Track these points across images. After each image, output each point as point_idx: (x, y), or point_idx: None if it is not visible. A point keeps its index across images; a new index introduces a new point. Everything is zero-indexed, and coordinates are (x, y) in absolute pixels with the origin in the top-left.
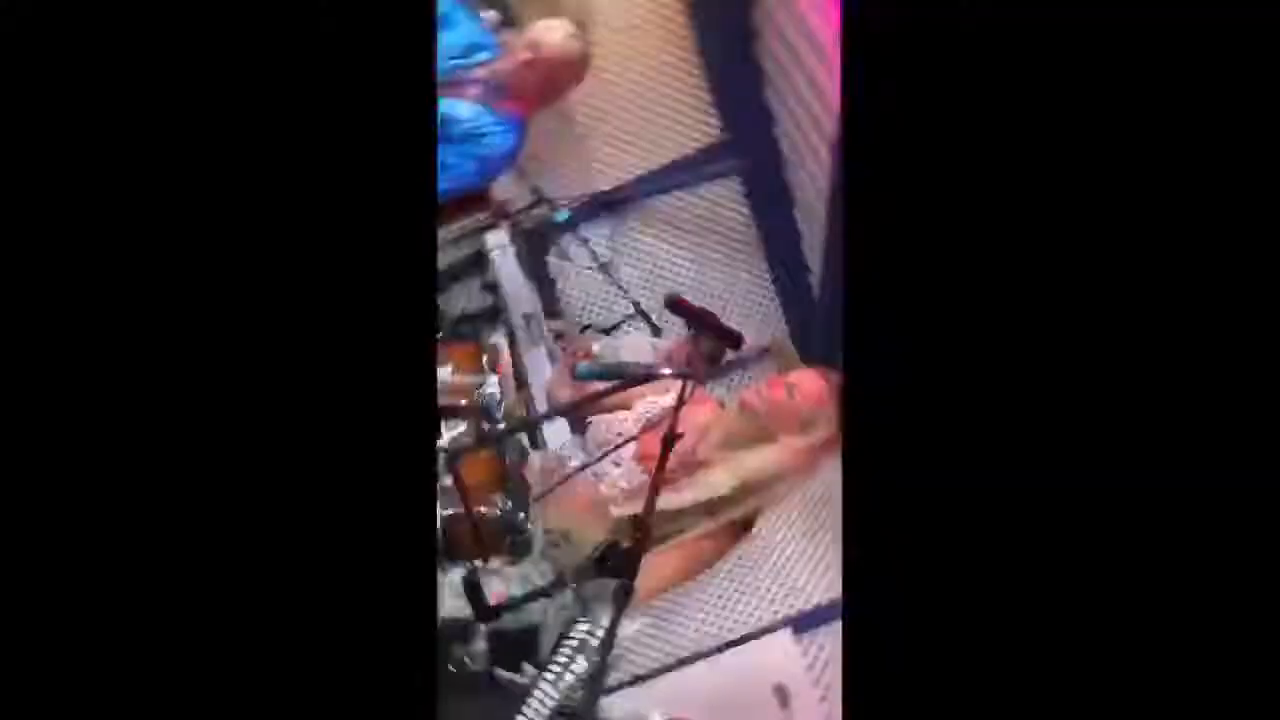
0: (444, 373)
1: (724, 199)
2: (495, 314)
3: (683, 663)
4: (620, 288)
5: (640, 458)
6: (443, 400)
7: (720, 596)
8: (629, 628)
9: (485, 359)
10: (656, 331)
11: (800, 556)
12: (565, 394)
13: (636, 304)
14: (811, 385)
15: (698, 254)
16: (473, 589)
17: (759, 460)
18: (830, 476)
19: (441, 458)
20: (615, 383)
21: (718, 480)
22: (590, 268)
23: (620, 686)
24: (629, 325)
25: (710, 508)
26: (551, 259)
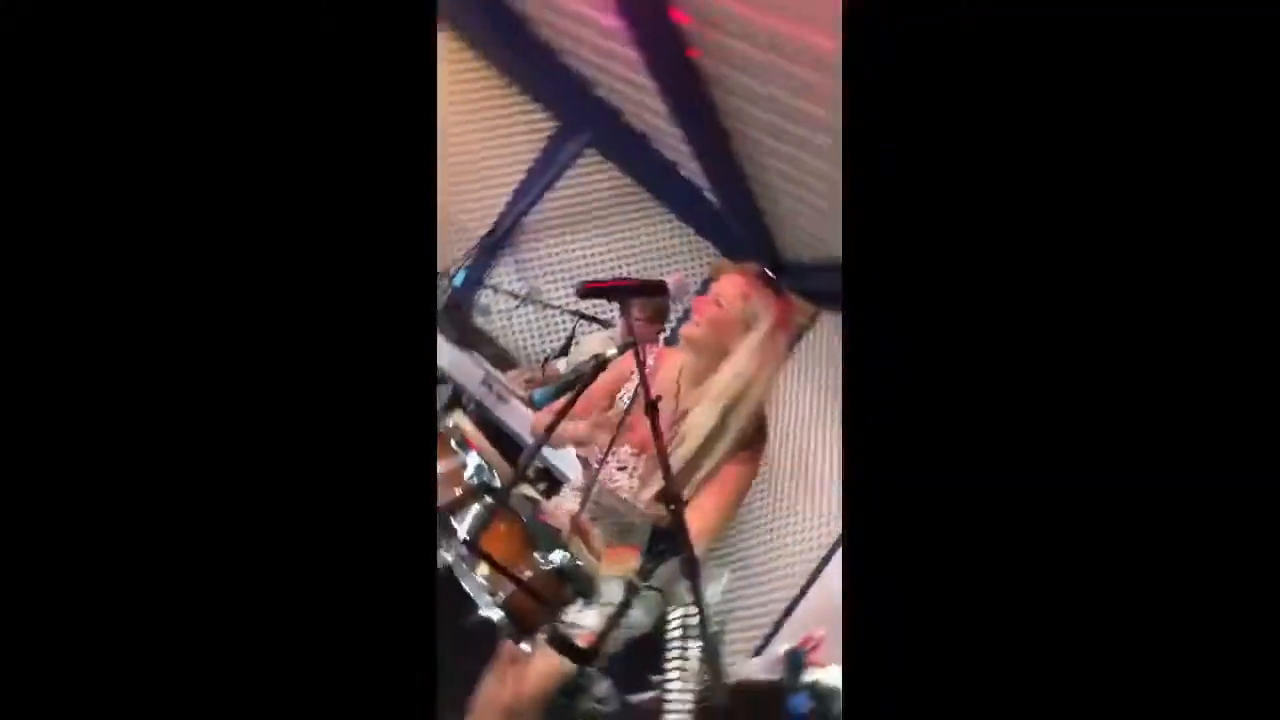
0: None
1: (591, 173)
2: (457, 398)
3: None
4: (552, 306)
5: (640, 446)
6: (442, 499)
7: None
8: (714, 589)
9: (453, 442)
10: (605, 325)
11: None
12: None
13: (576, 312)
14: (733, 287)
15: (602, 231)
16: (563, 645)
17: (728, 376)
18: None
19: (464, 549)
20: (574, 386)
21: (704, 416)
22: (516, 306)
23: (764, 645)
24: (580, 333)
25: (713, 439)
26: (477, 320)
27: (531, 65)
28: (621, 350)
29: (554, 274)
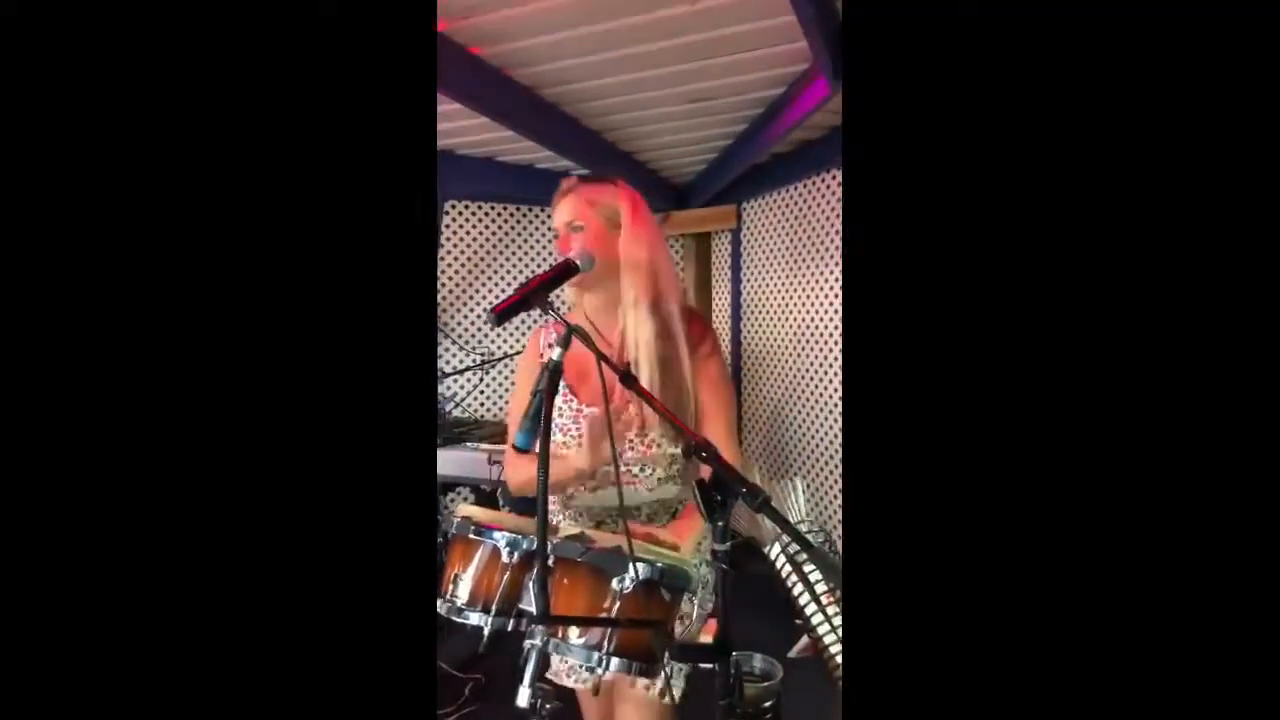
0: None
1: (463, 222)
2: (449, 489)
3: None
4: (507, 356)
5: (639, 426)
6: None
7: None
8: (797, 502)
9: (472, 534)
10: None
11: None
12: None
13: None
14: (570, 207)
15: (506, 262)
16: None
17: (630, 276)
18: None
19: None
20: (542, 409)
21: (639, 329)
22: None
23: None
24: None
25: (662, 346)
26: (452, 414)
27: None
28: (564, 344)
29: (492, 331)
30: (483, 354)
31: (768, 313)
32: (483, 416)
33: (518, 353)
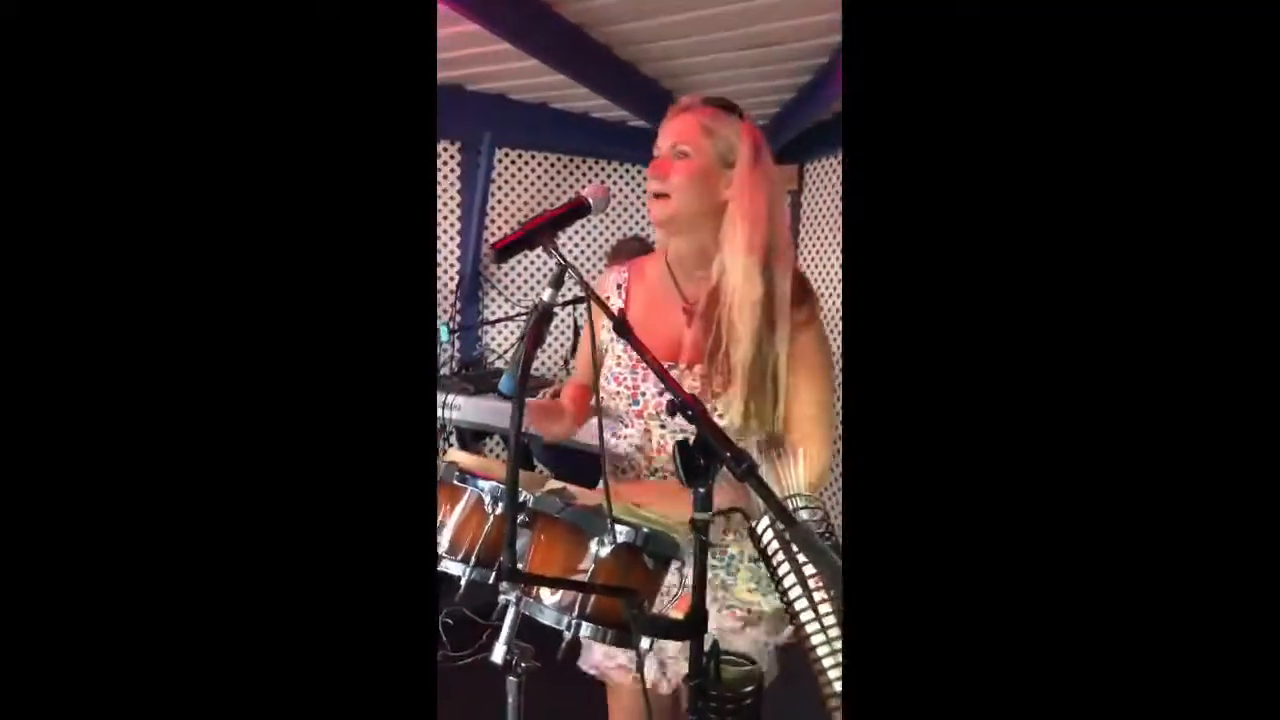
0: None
1: (512, 168)
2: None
3: None
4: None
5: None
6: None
7: None
8: (794, 474)
9: (456, 481)
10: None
11: None
12: (547, 423)
13: (536, 304)
14: (687, 128)
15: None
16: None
17: (738, 224)
18: None
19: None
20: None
21: (741, 280)
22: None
23: None
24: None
25: (766, 309)
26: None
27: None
28: (556, 284)
29: (540, 277)
30: (526, 305)
31: (824, 282)
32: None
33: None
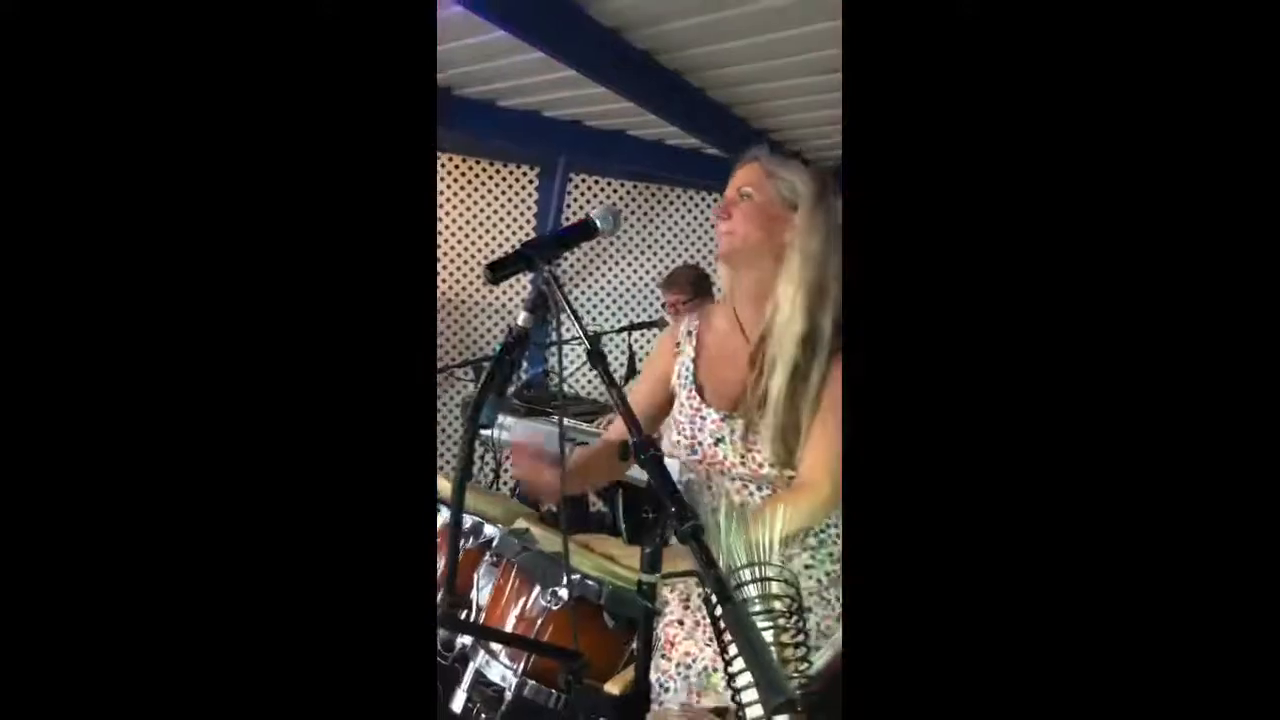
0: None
1: (586, 193)
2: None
3: None
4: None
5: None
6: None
7: None
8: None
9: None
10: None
11: None
12: (534, 475)
13: (626, 327)
14: (754, 174)
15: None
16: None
17: (796, 264)
18: None
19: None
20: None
21: (789, 319)
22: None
23: None
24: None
25: (809, 346)
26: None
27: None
28: (533, 308)
29: (606, 302)
30: (596, 330)
31: None
32: (584, 394)
33: (620, 329)
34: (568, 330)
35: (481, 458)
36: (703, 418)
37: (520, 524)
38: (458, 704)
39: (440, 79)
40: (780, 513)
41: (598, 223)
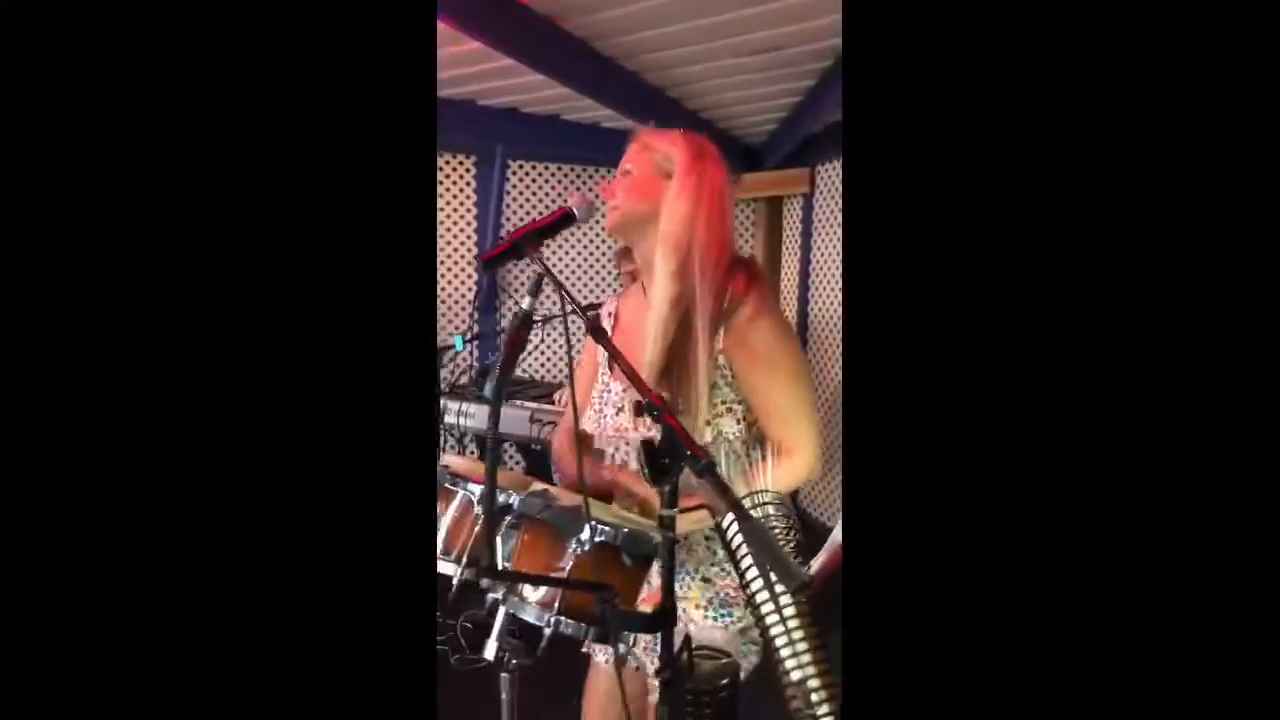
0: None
1: (525, 179)
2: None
3: None
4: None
5: (619, 377)
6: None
7: None
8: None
9: (448, 484)
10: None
11: None
12: (569, 453)
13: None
14: (633, 152)
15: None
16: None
17: (665, 226)
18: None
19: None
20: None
21: (660, 279)
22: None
23: None
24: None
25: (684, 309)
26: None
27: None
28: (534, 292)
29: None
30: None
31: (832, 285)
32: (537, 376)
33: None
34: (557, 309)
35: (451, 440)
36: (609, 390)
37: (537, 486)
38: (490, 652)
39: None
40: (769, 466)
41: (575, 212)
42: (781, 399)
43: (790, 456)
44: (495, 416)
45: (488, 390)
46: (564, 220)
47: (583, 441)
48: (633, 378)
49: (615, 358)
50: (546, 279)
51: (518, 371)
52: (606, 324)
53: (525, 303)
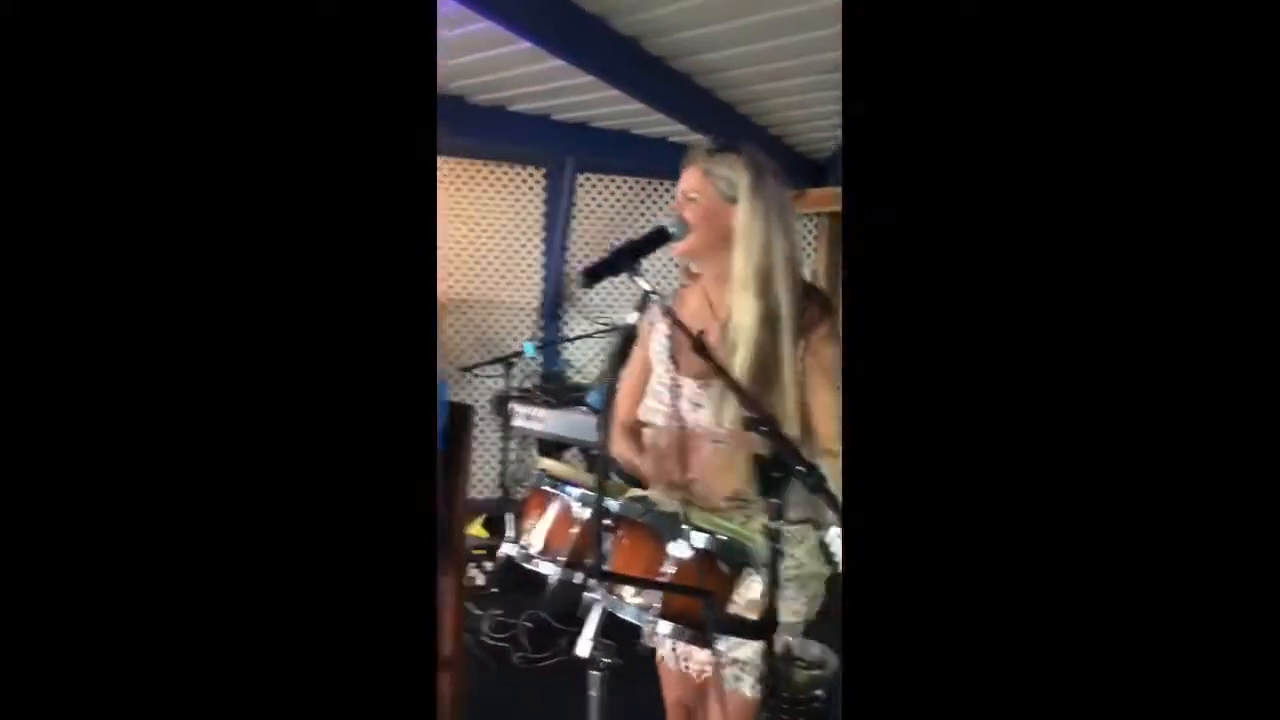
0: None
1: (593, 192)
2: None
3: None
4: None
5: (701, 378)
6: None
7: None
8: None
9: (548, 487)
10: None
11: None
12: (630, 443)
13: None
14: (692, 177)
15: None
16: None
17: (740, 258)
18: None
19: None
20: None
21: (741, 310)
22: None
23: None
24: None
25: (767, 328)
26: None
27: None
28: (642, 307)
29: (621, 298)
30: (605, 322)
31: None
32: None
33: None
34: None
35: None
36: (679, 386)
37: (635, 492)
38: (584, 650)
39: (454, 88)
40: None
41: (670, 229)
42: (836, 406)
43: (835, 459)
44: (605, 425)
45: (594, 401)
46: (660, 237)
47: (637, 436)
48: (739, 393)
49: (718, 373)
50: (655, 298)
51: (580, 379)
52: (661, 323)
53: (631, 318)
